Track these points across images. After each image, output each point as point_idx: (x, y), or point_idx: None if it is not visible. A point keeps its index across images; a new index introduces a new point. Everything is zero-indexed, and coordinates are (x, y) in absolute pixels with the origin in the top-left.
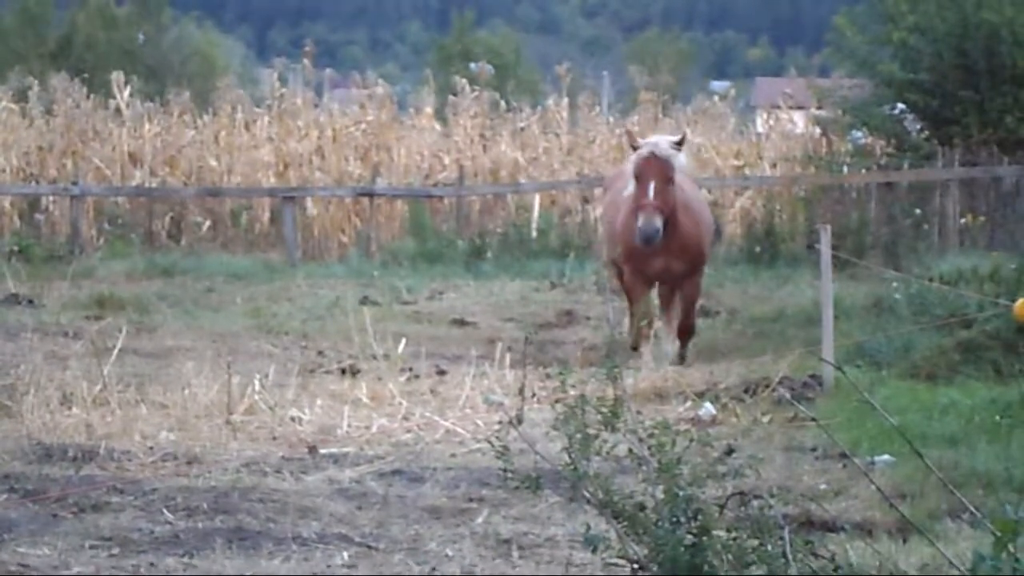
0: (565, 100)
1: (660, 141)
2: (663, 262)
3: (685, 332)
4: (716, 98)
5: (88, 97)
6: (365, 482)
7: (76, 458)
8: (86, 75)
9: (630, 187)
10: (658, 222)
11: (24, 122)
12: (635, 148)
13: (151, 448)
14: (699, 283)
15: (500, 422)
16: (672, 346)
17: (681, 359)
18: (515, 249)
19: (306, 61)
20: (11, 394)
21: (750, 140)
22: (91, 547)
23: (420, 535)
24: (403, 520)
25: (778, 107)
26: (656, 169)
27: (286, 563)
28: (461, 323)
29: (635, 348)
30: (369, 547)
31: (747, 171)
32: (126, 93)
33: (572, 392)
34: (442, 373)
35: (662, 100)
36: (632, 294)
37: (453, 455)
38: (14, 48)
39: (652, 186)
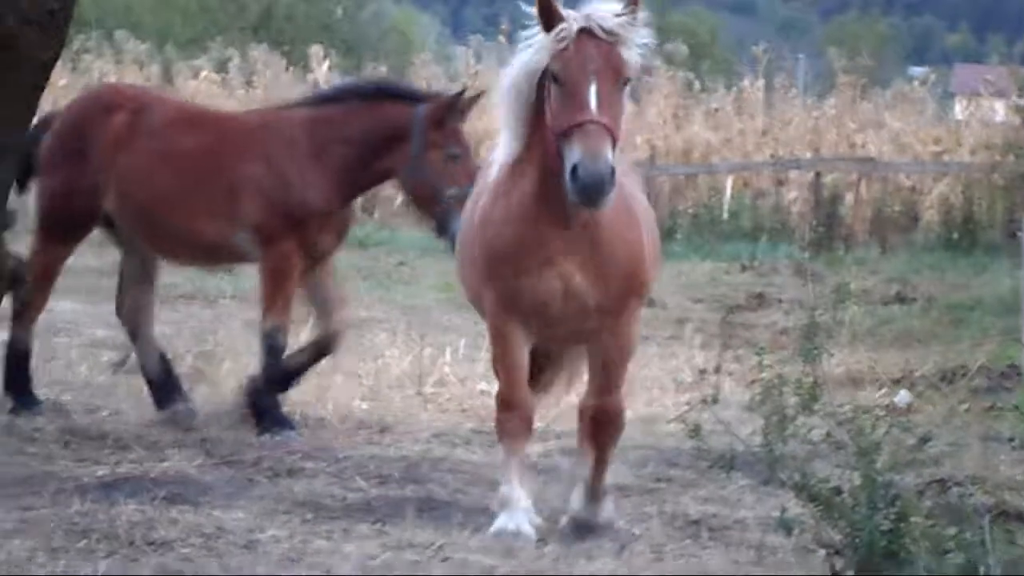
0: (761, 82)
1: (598, 10)
2: (558, 278)
3: (604, 423)
4: (915, 83)
5: (287, 69)
6: (552, 457)
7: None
8: (286, 47)
9: (513, 103)
10: (611, 155)
11: (224, 92)
12: (548, 22)
13: (344, 416)
14: (632, 331)
15: (689, 402)
16: (580, 464)
17: (593, 491)
18: (706, 230)
19: (502, 38)
20: (209, 360)
21: (949, 127)
22: (284, 512)
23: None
24: None
25: (978, 94)
26: (600, 58)
27: (476, 534)
28: (650, 303)
29: (506, 443)
30: (556, 521)
31: (946, 158)
32: (324, 66)
33: (768, 374)
34: None
35: (860, 83)
36: (500, 341)
37: (642, 434)
38: (216, 20)
39: (594, 89)
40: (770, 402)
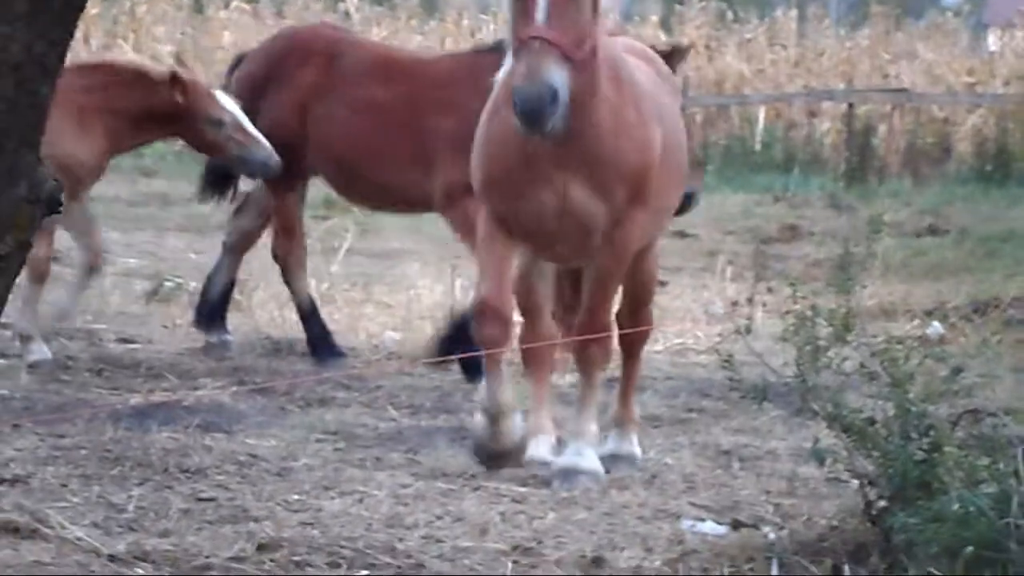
0: (794, 12)
1: None
2: (551, 188)
3: (587, 345)
4: (949, 13)
5: None
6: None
7: (303, 353)
8: None
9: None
10: (555, 74)
11: (256, 23)
12: None
13: (376, 346)
14: (626, 245)
15: (721, 334)
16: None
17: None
18: (738, 161)
19: None
20: (242, 289)
21: (982, 58)
22: (317, 440)
23: (639, 443)
24: None
25: (1012, 25)
26: None
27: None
28: (682, 234)
29: (488, 353)
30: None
31: (979, 89)
32: None
33: (801, 305)
34: (663, 284)
35: (894, 14)
36: (487, 244)
37: (673, 365)
38: None
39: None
40: (803, 333)
